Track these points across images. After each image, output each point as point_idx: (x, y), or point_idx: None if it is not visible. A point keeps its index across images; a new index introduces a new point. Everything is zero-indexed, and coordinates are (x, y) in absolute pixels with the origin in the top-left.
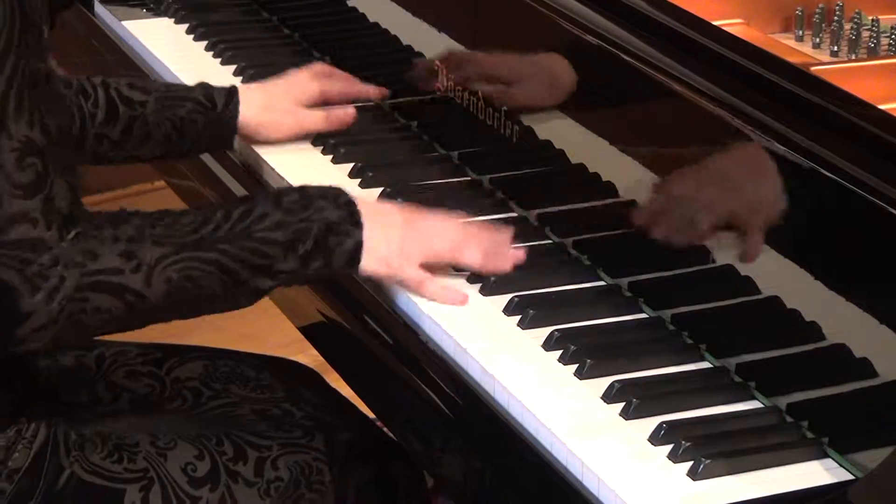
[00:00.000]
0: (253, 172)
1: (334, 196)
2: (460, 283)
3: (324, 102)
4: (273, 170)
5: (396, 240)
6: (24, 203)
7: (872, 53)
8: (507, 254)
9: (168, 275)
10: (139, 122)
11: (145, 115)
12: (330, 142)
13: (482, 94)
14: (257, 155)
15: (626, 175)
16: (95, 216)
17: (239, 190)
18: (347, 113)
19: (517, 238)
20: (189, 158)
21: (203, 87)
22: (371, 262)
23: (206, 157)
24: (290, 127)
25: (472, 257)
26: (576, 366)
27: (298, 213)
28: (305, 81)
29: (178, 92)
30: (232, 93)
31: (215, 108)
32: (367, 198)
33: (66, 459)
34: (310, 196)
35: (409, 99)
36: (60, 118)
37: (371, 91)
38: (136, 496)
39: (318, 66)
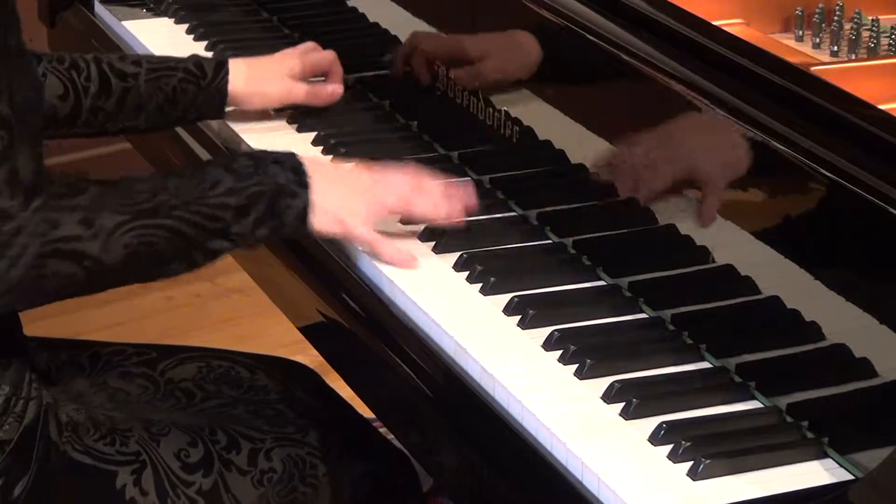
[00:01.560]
0: None
1: (284, 159)
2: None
3: (314, 76)
4: None
5: (345, 198)
6: None
7: (872, 53)
8: (458, 198)
9: (125, 240)
10: (132, 93)
11: (137, 86)
12: (330, 142)
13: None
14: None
15: None
16: (56, 184)
17: None
18: (335, 89)
19: (517, 238)
20: (183, 126)
21: (193, 58)
22: (322, 222)
23: (207, 157)
24: (277, 95)
25: (423, 206)
26: (576, 366)
27: (250, 177)
28: (292, 55)
29: (168, 62)
30: (222, 62)
31: (205, 76)
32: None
33: (59, 439)
34: (261, 160)
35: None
36: (30, 91)
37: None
38: (128, 478)
39: (306, 45)
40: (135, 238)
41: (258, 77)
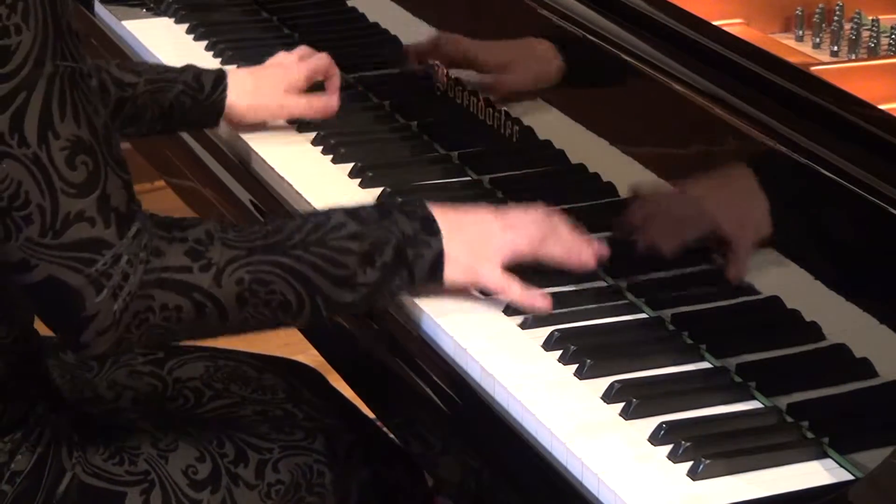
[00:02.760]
0: (260, 180)
1: (411, 207)
2: None
3: (314, 85)
4: (283, 179)
5: (476, 246)
6: (78, 202)
7: (872, 53)
8: (590, 246)
9: (239, 276)
10: (129, 104)
11: (135, 96)
12: (330, 142)
13: (479, 87)
14: (263, 159)
15: (626, 175)
16: (157, 217)
17: (243, 194)
18: (331, 102)
19: None
20: (170, 136)
21: (192, 69)
22: (453, 272)
23: (211, 162)
24: (274, 111)
25: (554, 251)
26: (576, 366)
27: (375, 224)
28: (292, 66)
29: (167, 74)
30: (220, 76)
31: (203, 91)
32: (368, 198)
33: (69, 461)
34: (386, 209)
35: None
36: (104, 115)
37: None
38: (137, 499)
39: (302, 50)
40: (249, 274)
41: (254, 91)
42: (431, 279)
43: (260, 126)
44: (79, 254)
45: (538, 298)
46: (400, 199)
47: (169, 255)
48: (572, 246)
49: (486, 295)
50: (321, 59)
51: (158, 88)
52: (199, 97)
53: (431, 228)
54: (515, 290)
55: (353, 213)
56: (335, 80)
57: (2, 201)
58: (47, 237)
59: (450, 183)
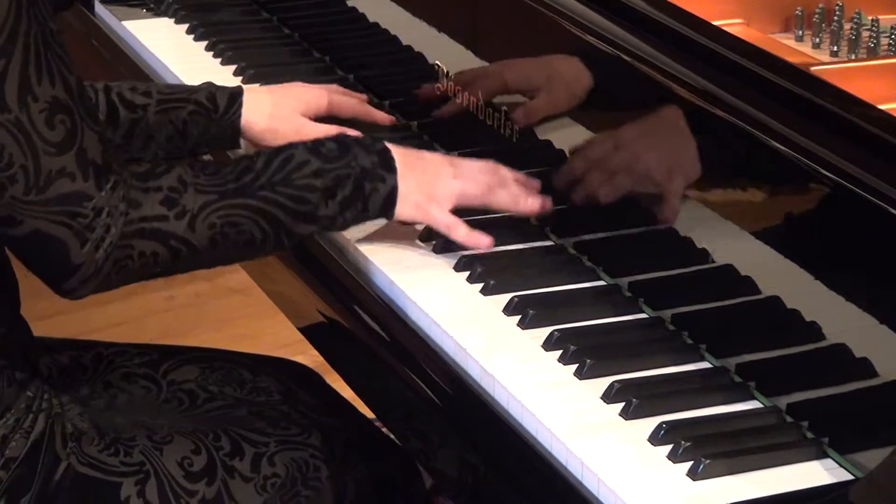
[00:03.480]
0: None
1: (369, 143)
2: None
3: (332, 118)
4: None
5: (429, 184)
6: (58, 159)
7: (872, 53)
8: (536, 197)
9: (211, 220)
10: (141, 125)
11: (146, 117)
12: None
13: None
14: None
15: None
16: (134, 165)
17: None
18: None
19: (517, 239)
20: (195, 156)
21: (207, 88)
22: (405, 208)
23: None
24: (289, 135)
25: (502, 199)
26: (576, 366)
27: (336, 160)
28: (316, 94)
29: (180, 94)
30: (235, 95)
31: (217, 110)
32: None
33: (63, 451)
34: (347, 144)
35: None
36: (75, 70)
37: (378, 116)
38: (132, 489)
39: (335, 86)
40: (220, 219)
41: (275, 114)
42: (383, 212)
43: None
44: (63, 207)
45: (482, 238)
46: (357, 135)
47: (146, 205)
48: (518, 195)
49: (436, 237)
50: (353, 99)
51: (170, 108)
52: (213, 116)
53: (388, 164)
54: (461, 231)
55: (314, 149)
56: (370, 113)
57: None
58: (31, 194)
59: None
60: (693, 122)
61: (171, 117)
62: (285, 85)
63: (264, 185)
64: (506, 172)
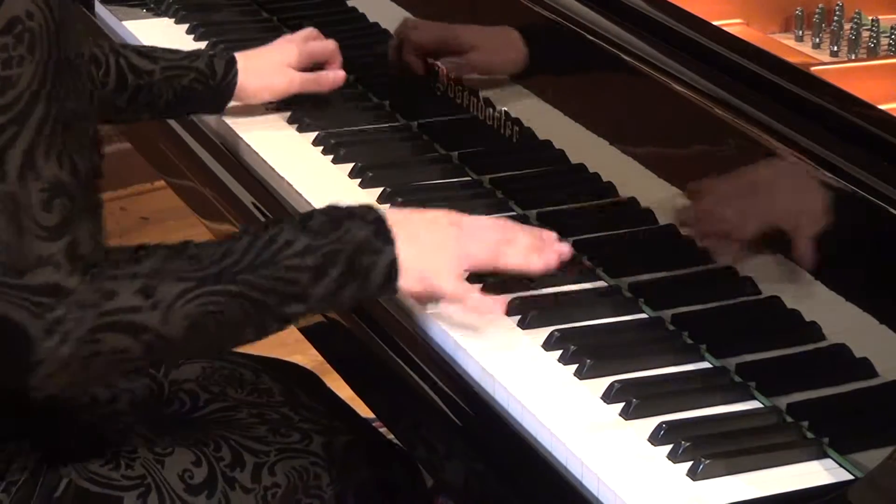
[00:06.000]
0: (260, 180)
1: (362, 214)
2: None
3: (314, 65)
4: (283, 179)
5: (430, 253)
6: (48, 245)
7: (872, 53)
8: (552, 249)
9: (187, 310)
10: (144, 91)
11: (151, 83)
12: (330, 142)
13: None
14: (263, 159)
15: (626, 175)
16: (116, 251)
17: (244, 194)
18: (338, 76)
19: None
20: (181, 118)
21: (205, 54)
22: (409, 281)
23: (210, 161)
24: (282, 88)
25: (514, 258)
26: (576, 366)
27: (326, 235)
28: (290, 41)
29: (183, 61)
30: (231, 61)
31: (216, 76)
32: (369, 198)
33: (65, 468)
34: (337, 217)
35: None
36: (91, 156)
37: (338, 62)
38: (134, 503)
39: (307, 31)
40: (199, 307)
41: (262, 70)
42: (386, 288)
43: (261, 126)
44: (38, 298)
45: (497, 305)
46: (349, 206)
47: (120, 296)
48: (530, 252)
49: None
50: (325, 45)
51: (173, 76)
52: (211, 83)
53: (385, 235)
54: (473, 300)
55: (303, 225)
56: (337, 59)
57: None
58: (7, 275)
59: (450, 183)
60: (693, 122)
61: (174, 84)
62: (269, 45)
63: (246, 269)
64: (515, 228)
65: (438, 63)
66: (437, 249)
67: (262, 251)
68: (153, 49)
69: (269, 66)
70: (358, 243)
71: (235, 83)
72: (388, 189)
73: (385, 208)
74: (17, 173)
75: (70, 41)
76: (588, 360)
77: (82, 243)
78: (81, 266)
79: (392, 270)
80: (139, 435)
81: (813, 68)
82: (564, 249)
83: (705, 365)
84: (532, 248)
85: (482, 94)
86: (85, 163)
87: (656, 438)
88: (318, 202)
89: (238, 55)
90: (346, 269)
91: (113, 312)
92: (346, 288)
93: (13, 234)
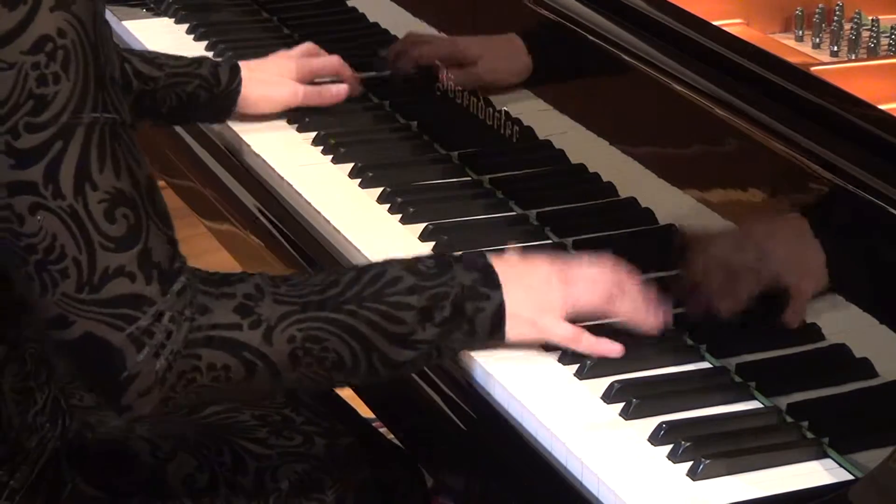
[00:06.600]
0: (260, 180)
1: (471, 260)
2: None
3: (314, 79)
4: (283, 179)
5: (538, 298)
6: (118, 256)
7: (872, 53)
8: (658, 307)
9: (291, 333)
10: (148, 96)
11: (155, 90)
12: (330, 142)
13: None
14: (264, 160)
15: (626, 175)
16: (203, 272)
17: (243, 194)
18: (340, 89)
19: (517, 239)
20: (183, 125)
21: (209, 62)
22: (516, 326)
23: (211, 162)
24: (286, 100)
25: (624, 308)
26: (576, 366)
27: (434, 278)
28: (287, 57)
29: (186, 68)
30: (235, 68)
31: (220, 84)
32: (369, 198)
33: (68, 474)
34: (447, 261)
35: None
36: (147, 166)
37: (347, 74)
38: None
39: (305, 46)
40: (301, 332)
41: (266, 81)
42: (493, 334)
43: (260, 126)
44: (118, 310)
45: (613, 346)
46: (459, 253)
47: (217, 312)
48: (640, 306)
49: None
50: (327, 61)
51: (177, 82)
52: (215, 91)
53: (492, 281)
54: (586, 341)
55: (410, 265)
56: (346, 73)
57: (37, 254)
58: (84, 292)
59: (450, 183)
60: (693, 122)
61: (178, 91)
62: (270, 57)
63: (351, 300)
64: (624, 277)
65: (438, 63)
66: (543, 294)
67: (367, 286)
68: (158, 55)
69: (272, 77)
70: (465, 287)
71: (239, 91)
72: (388, 189)
73: (490, 255)
74: (72, 187)
75: (109, 57)
76: (588, 361)
77: (155, 251)
78: (158, 275)
79: (499, 316)
80: (141, 439)
81: (813, 68)
82: (669, 313)
83: (705, 365)
84: (645, 301)
85: (482, 94)
86: (142, 171)
87: (656, 438)
88: (318, 202)
89: (242, 64)
90: (453, 313)
91: (209, 327)
92: (452, 334)
93: (80, 249)
